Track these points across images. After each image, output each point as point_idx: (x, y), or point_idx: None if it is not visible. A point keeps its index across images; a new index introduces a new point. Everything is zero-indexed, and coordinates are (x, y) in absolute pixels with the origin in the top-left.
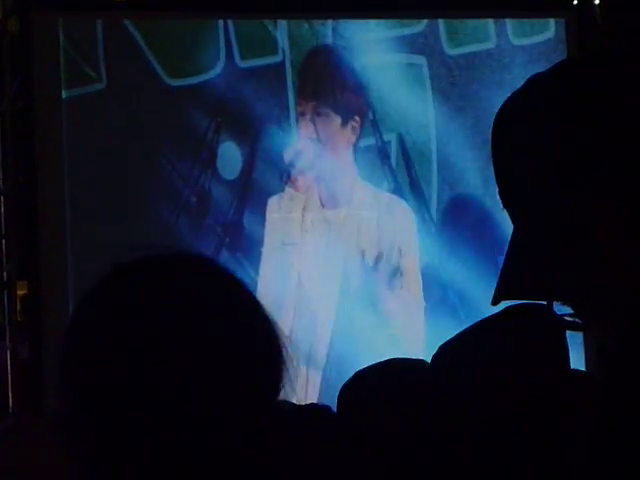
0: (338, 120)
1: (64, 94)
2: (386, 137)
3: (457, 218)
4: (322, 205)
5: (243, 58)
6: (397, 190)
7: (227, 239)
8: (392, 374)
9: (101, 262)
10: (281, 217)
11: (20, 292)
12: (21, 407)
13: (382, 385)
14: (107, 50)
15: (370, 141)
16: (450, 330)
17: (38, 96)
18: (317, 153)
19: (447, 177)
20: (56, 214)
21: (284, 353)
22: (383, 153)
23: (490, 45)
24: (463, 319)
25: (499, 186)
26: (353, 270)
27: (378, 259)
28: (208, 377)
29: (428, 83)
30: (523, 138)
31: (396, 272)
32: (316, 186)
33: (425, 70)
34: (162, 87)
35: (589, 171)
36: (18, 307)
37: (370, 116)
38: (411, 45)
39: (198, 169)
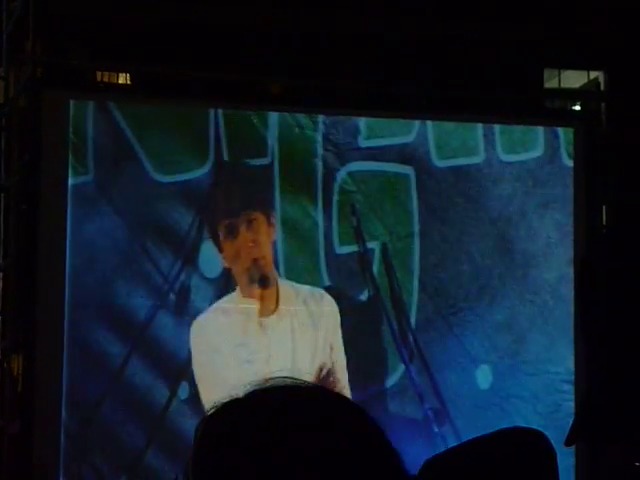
0: None
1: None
2: (369, 245)
3: (436, 328)
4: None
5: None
6: (376, 297)
7: None
8: None
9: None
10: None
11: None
12: None
13: None
14: (96, 143)
15: (352, 248)
16: None
17: (45, 178)
18: None
19: (428, 287)
20: (55, 290)
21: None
22: (365, 260)
23: (478, 160)
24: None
25: (585, 327)
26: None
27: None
28: None
29: (415, 193)
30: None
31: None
32: None
33: (412, 180)
34: (149, 183)
35: None
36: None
37: (354, 223)
38: (400, 154)
39: (179, 265)
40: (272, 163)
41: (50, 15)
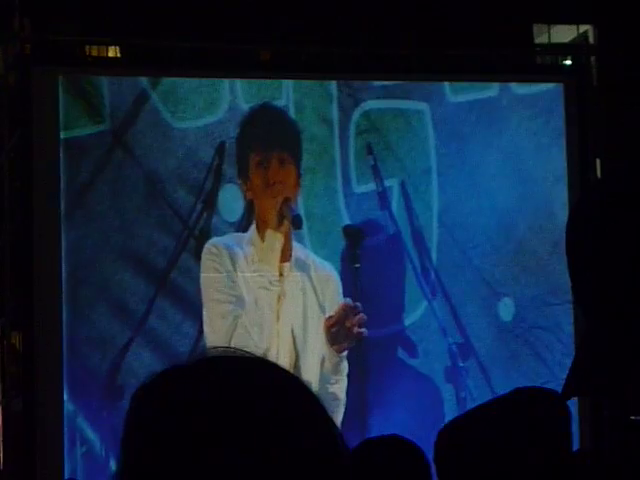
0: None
1: (63, 134)
2: (387, 183)
3: (456, 262)
4: None
5: (247, 102)
6: (396, 235)
7: None
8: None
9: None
10: None
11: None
12: (12, 461)
13: None
14: (111, 93)
15: (370, 187)
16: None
17: (37, 148)
18: None
19: (447, 222)
20: (52, 266)
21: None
22: (384, 199)
23: (492, 93)
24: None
25: (575, 283)
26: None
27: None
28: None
29: (431, 129)
30: (608, 240)
31: None
32: None
33: (428, 116)
34: (166, 129)
35: None
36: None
37: (371, 161)
38: (414, 91)
39: (199, 211)
40: (287, 106)
41: None
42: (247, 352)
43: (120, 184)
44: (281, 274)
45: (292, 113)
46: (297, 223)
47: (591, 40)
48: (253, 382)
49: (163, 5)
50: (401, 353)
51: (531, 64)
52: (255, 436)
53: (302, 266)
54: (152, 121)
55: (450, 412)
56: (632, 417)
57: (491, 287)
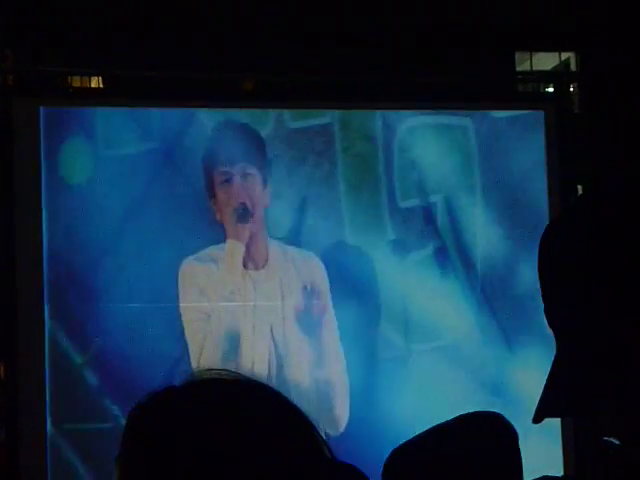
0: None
1: (112, 152)
2: (432, 198)
3: (501, 277)
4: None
5: (294, 120)
6: (441, 249)
7: None
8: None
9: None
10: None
11: None
12: None
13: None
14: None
15: (415, 202)
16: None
17: (18, 185)
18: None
19: (492, 238)
20: (34, 296)
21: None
22: (428, 213)
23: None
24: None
25: (546, 305)
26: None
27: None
28: None
29: (474, 145)
30: (572, 262)
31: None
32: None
33: (471, 131)
34: None
35: None
36: None
37: (415, 177)
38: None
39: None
40: (332, 123)
41: (19, 23)
42: (235, 373)
43: (170, 202)
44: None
45: (337, 130)
46: (244, 219)
47: (573, 67)
48: (239, 406)
49: (146, 36)
50: (447, 367)
51: (512, 91)
52: (244, 456)
53: (279, 262)
54: (199, 139)
55: None
56: (605, 438)
57: (537, 301)
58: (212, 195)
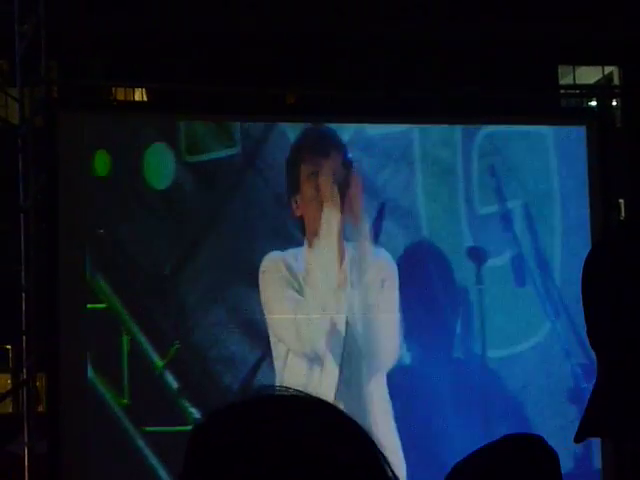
0: None
1: (193, 159)
2: (510, 205)
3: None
4: None
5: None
6: (519, 256)
7: None
8: None
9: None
10: None
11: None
12: None
13: None
14: None
15: (492, 209)
16: None
17: (62, 198)
18: None
19: (571, 244)
20: (76, 309)
21: None
22: (506, 220)
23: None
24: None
25: (589, 324)
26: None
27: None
28: None
29: (553, 153)
30: (619, 281)
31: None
32: None
33: (550, 140)
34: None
35: None
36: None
37: (494, 183)
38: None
39: None
40: (413, 129)
41: (63, 35)
42: (300, 391)
43: (251, 205)
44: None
45: (416, 136)
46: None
47: (616, 81)
48: (304, 424)
49: (185, 50)
50: (524, 373)
51: (555, 106)
52: (300, 475)
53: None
54: (280, 144)
55: (573, 434)
56: None
57: None
58: (296, 190)
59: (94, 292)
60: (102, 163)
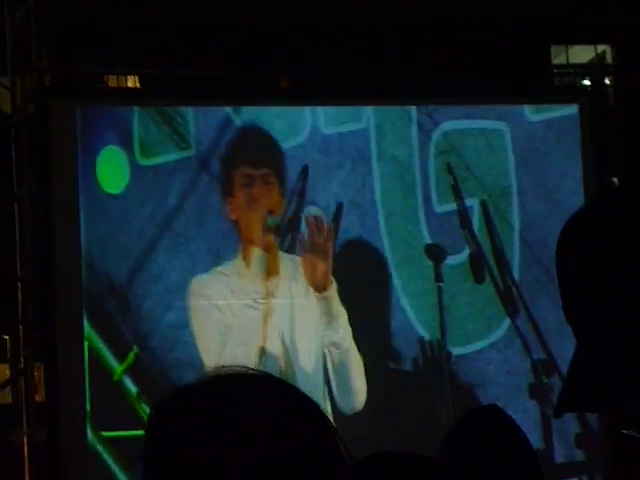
0: None
1: (148, 161)
2: (468, 202)
3: (539, 280)
4: None
5: (328, 126)
6: (478, 254)
7: None
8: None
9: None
10: None
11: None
12: None
13: None
14: (196, 120)
15: (451, 206)
16: None
17: (56, 182)
18: None
19: (529, 241)
20: (73, 298)
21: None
22: (464, 218)
23: (572, 111)
24: None
25: (564, 302)
26: None
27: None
28: None
29: (510, 149)
30: (598, 253)
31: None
32: None
33: (507, 136)
34: None
35: None
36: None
37: (451, 181)
38: (493, 111)
39: (284, 232)
40: (367, 129)
41: (54, 23)
42: (250, 368)
43: (206, 209)
44: (268, 293)
45: (373, 136)
46: (279, 232)
47: (609, 60)
48: (261, 402)
49: (178, 36)
50: (484, 370)
51: (548, 85)
52: (260, 449)
53: (289, 276)
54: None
55: (535, 430)
56: (624, 431)
57: None
58: (230, 195)
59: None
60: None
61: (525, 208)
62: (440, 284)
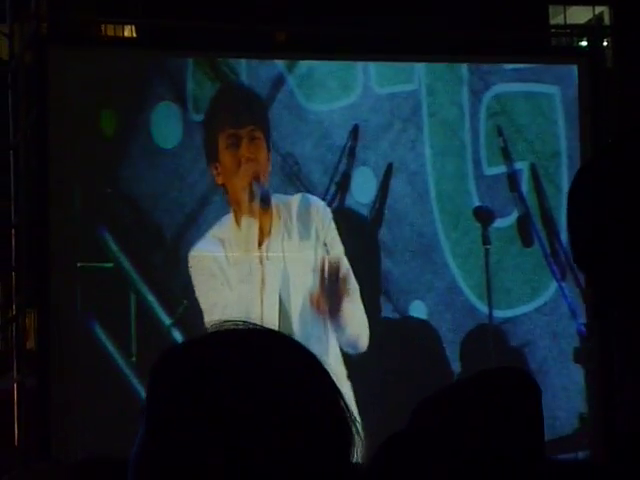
0: None
1: (198, 118)
2: (517, 165)
3: None
4: None
5: (381, 86)
6: (526, 216)
7: None
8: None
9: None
10: None
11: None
12: (27, 439)
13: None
14: (249, 76)
15: (501, 169)
16: None
17: (53, 130)
18: None
19: None
20: (67, 247)
21: (350, 419)
22: (513, 181)
23: None
24: None
25: (575, 248)
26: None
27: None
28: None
29: (561, 113)
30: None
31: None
32: None
33: (558, 100)
34: (301, 112)
35: None
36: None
37: (501, 144)
38: (545, 74)
39: (333, 192)
40: (419, 89)
41: None
42: (253, 323)
43: None
44: (260, 261)
45: (424, 96)
46: (265, 201)
47: (607, 21)
48: (263, 355)
49: None
50: (530, 334)
51: (545, 45)
52: (264, 396)
53: (280, 240)
54: (287, 104)
55: (579, 394)
56: None
57: None
58: (215, 160)
59: (102, 251)
60: (108, 122)
61: (573, 172)
62: (488, 246)
